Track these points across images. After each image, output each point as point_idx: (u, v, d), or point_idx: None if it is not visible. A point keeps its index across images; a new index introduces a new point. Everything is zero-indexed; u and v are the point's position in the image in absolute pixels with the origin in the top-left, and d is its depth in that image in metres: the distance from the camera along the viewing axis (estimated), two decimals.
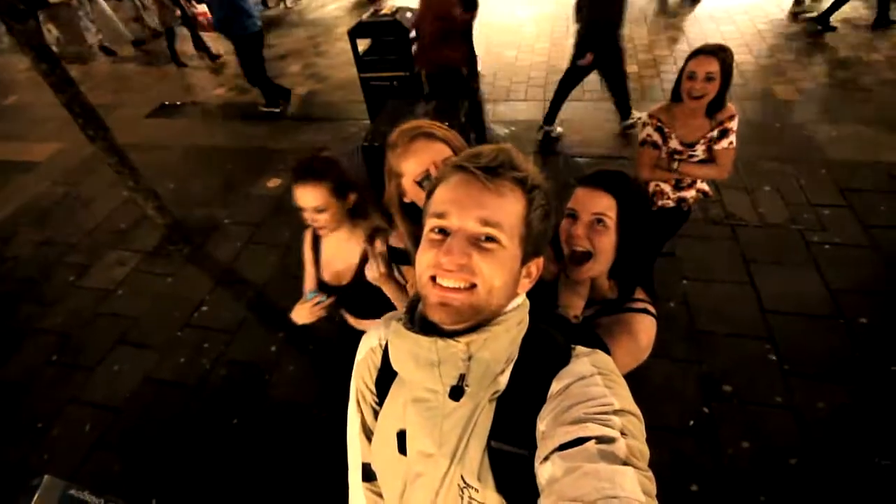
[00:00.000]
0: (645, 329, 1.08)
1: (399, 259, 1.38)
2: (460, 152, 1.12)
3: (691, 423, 2.25)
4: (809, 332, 2.55)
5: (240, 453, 2.34)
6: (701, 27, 6.04)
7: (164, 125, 5.62)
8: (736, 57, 5.13)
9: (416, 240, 1.23)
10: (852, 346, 2.47)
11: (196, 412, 2.54)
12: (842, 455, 2.09)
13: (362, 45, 4.56)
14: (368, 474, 0.91)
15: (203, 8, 6.64)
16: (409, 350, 0.72)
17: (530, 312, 0.77)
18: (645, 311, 1.10)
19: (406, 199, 1.20)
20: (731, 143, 2.04)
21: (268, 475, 2.25)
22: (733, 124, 2.02)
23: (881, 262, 2.89)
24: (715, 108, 2.00)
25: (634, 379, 1.06)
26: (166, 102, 6.04)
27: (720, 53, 1.89)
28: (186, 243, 3.65)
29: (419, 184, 1.13)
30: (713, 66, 1.88)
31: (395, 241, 1.33)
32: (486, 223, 0.65)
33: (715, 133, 2.04)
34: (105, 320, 3.16)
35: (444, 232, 0.68)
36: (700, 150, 2.08)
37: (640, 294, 1.13)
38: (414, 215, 1.21)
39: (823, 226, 3.15)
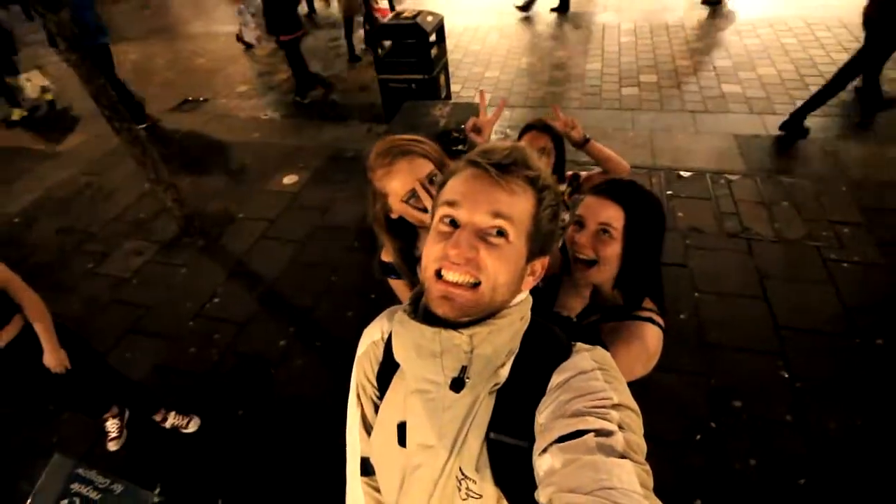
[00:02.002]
0: (649, 337, 1.06)
1: (390, 273, 1.37)
2: (439, 163, 1.11)
3: (698, 437, 2.22)
4: (823, 351, 2.50)
5: (244, 444, 2.37)
6: (725, 40, 6.00)
7: (187, 119, 5.74)
8: (759, 70, 5.09)
9: (403, 254, 1.23)
10: (867, 367, 2.42)
11: (203, 402, 2.57)
12: (852, 477, 2.03)
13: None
14: (367, 469, 0.91)
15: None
16: (412, 340, 0.72)
17: (531, 310, 0.77)
18: (650, 320, 1.08)
19: (393, 216, 1.20)
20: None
21: (270, 466, 2.27)
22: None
23: None
24: (558, 179, 1.92)
25: (641, 389, 1.04)
26: (189, 98, 6.16)
27: (548, 129, 1.84)
28: (202, 236, 3.72)
29: (406, 201, 1.13)
30: (543, 142, 1.84)
31: (385, 256, 1.33)
32: (496, 216, 0.66)
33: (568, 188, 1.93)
34: (119, 308, 3.22)
35: (453, 224, 0.68)
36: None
37: (648, 304, 1.12)
38: (400, 231, 1.22)
39: (842, 244, 3.09)
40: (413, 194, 1.11)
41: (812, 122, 4.36)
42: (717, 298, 2.84)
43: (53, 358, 1.91)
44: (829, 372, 2.41)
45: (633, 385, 0.92)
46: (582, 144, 1.74)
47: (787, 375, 2.41)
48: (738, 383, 2.40)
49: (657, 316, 1.10)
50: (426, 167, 1.11)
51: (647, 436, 0.62)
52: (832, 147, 4.00)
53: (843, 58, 5.26)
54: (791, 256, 3.06)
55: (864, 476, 2.04)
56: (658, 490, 0.54)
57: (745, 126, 4.40)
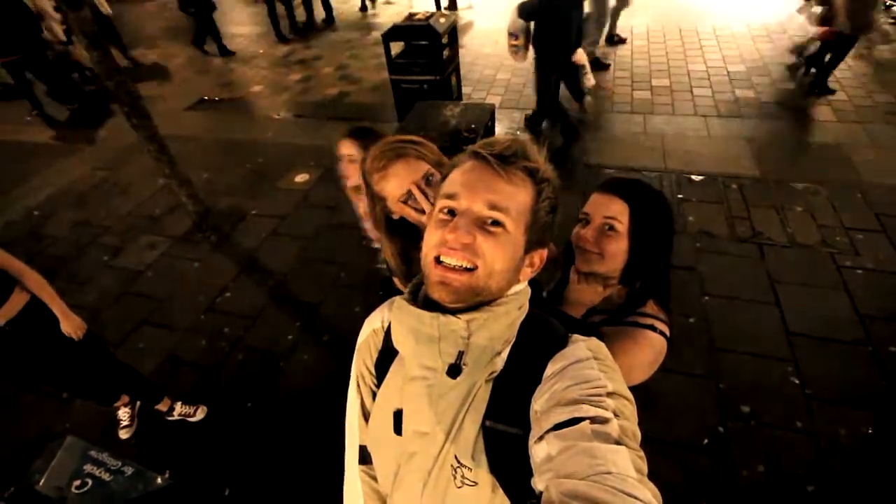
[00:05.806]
0: (649, 346, 1.03)
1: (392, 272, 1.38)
2: (436, 163, 1.12)
3: (706, 441, 2.20)
4: (835, 358, 2.47)
5: (252, 435, 2.40)
6: (738, 44, 5.96)
7: (202, 118, 5.83)
8: (775, 75, 5.02)
9: (402, 257, 1.23)
10: (880, 374, 2.38)
11: (213, 393, 2.61)
12: (861, 485, 2.01)
13: (395, 48, 4.65)
14: (365, 457, 0.91)
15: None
16: (410, 325, 0.73)
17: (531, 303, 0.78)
18: (652, 327, 1.05)
19: (394, 217, 1.20)
20: None
21: (276, 457, 2.29)
22: None
23: None
24: None
25: (649, 392, 1.03)
26: (205, 97, 6.26)
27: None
28: (215, 231, 3.77)
29: (404, 202, 1.14)
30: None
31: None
32: (493, 207, 0.67)
33: None
34: (133, 300, 3.28)
35: (452, 213, 0.70)
36: None
37: (652, 309, 1.08)
38: (403, 231, 1.22)
39: (856, 250, 3.05)
40: (410, 195, 1.12)
41: (824, 127, 4.33)
42: (727, 302, 2.81)
43: (69, 323, 1.92)
44: (840, 379, 2.38)
45: (637, 389, 0.92)
46: None
47: (797, 381, 2.39)
48: (747, 388, 2.38)
49: (661, 323, 1.06)
50: (422, 168, 1.12)
51: (654, 437, 0.63)
52: (847, 152, 3.95)
53: (856, 63, 5.23)
54: (804, 262, 3.02)
55: (873, 485, 2.01)
56: (664, 492, 0.55)
57: (758, 130, 4.37)
